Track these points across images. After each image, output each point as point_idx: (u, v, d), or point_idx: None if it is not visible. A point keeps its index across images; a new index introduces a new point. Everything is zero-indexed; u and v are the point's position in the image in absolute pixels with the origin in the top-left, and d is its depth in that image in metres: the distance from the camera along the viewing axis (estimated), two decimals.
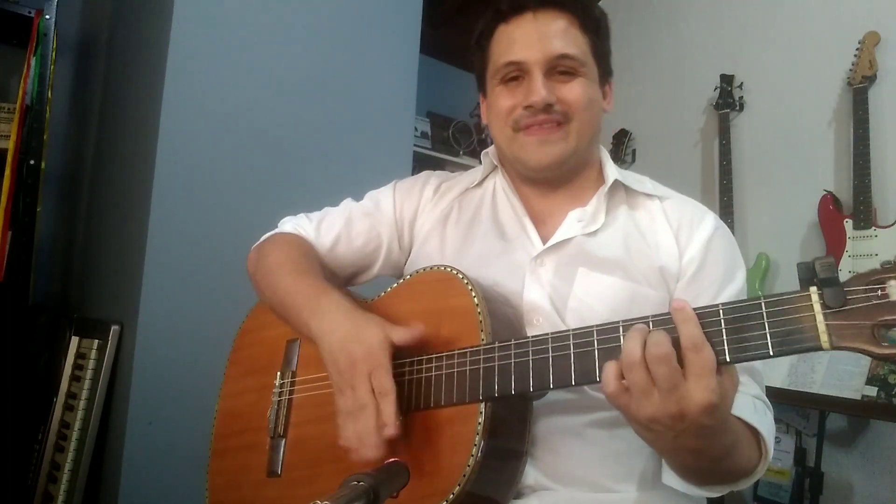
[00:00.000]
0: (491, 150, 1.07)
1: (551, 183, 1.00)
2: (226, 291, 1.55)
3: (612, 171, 0.98)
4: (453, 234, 1.02)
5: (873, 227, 2.05)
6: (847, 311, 0.57)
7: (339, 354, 0.79)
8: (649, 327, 0.66)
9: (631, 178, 1.01)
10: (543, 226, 0.98)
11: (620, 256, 0.92)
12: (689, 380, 0.61)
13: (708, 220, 0.95)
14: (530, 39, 0.93)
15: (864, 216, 2.06)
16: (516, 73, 0.94)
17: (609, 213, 0.97)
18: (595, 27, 0.96)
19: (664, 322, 0.65)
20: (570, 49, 0.93)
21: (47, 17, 1.98)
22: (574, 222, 0.95)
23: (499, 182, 1.06)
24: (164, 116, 1.75)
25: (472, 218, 1.03)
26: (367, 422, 0.75)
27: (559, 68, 0.93)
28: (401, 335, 0.79)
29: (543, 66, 0.92)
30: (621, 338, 0.68)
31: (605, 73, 0.99)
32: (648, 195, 0.99)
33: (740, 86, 2.54)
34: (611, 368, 0.65)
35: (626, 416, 0.67)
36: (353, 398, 0.77)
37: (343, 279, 1.10)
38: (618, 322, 0.69)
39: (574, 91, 0.93)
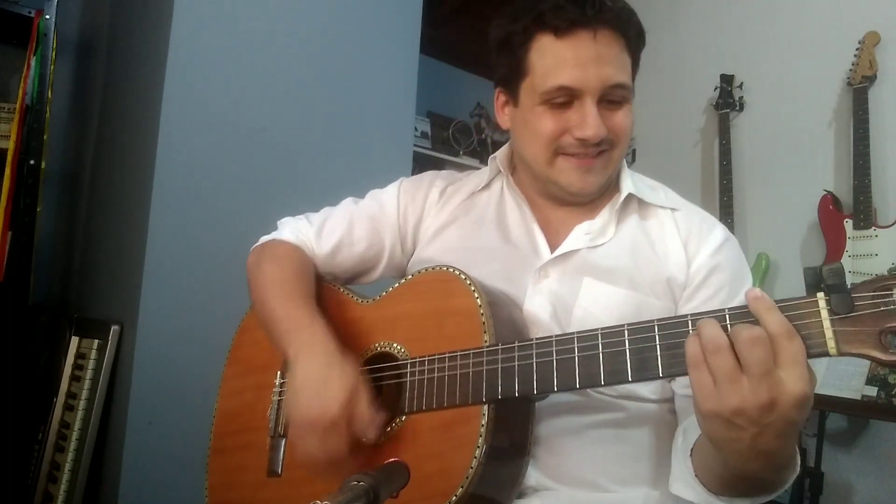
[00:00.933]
0: (499, 154, 1.05)
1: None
2: (226, 292, 1.54)
3: (627, 184, 0.96)
4: (457, 238, 1.01)
5: (873, 227, 2.05)
6: (854, 317, 0.57)
7: (301, 400, 0.80)
8: (689, 326, 0.63)
9: (645, 186, 0.99)
10: (554, 236, 0.96)
11: (627, 266, 0.91)
12: (782, 368, 0.57)
13: (717, 231, 0.94)
14: (586, 63, 0.85)
15: (864, 216, 2.06)
16: (566, 99, 0.87)
17: (619, 223, 0.95)
18: (641, 47, 0.92)
19: (681, 325, 0.64)
20: (623, 77, 0.87)
21: (47, 17, 1.97)
22: (581, 235, 0.93)
23: (506, 187, 1.04)
24: (164, 116, 1.75)
25: (478, 221, 1.02)
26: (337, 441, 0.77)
27: (609, 97, 0.88)
28: (364, 419, 0.79)
29: (598, 95, 0.86)
30: (626, 341, 0.67)
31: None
32: (661, 206, 0.97)
33: (740, 86, 2.54)
34: (695, 341, 0.60)
35: (703, 406, 0.60)
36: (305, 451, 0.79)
37: (344, 281, 1.09)
38: (623, 325, 0.68)
39: (622, 121, 0.89)
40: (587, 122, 0.86)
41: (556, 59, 0.86)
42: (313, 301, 0.95)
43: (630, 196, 0.96)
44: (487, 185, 1.06)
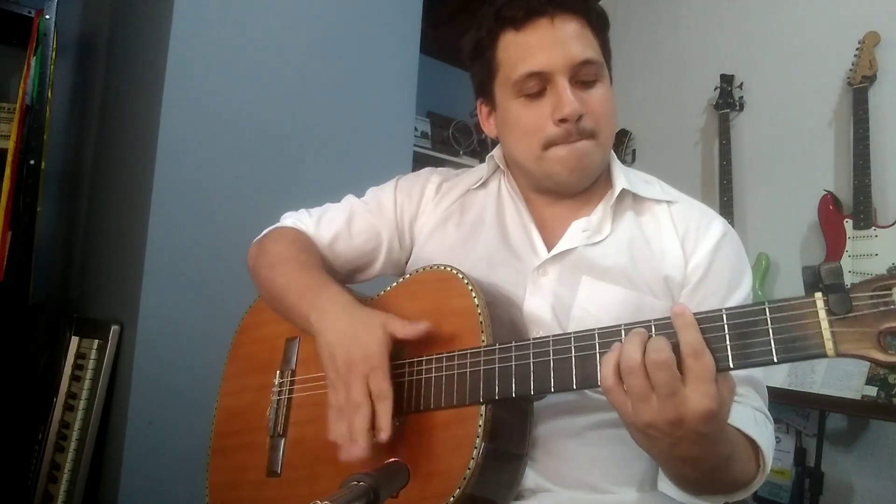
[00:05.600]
0: (496, 152, 1.05)
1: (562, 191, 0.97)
2: (226, 291, 1.54)
3: (620, 180, 0.95)
4: (455, 236, 1.00)
5: (873, 227, 2.05)
6: (853, 317, 0.56)
7: (337, 351, 0.79)
8: (651, 332, 0.65)
9: (639, 180, 0.98)
10: (550, 234, 0.96)
11: (625, 265, 0.90)
12: (688, 385, 0.61)
13: (715, 227, 0.93)
14: (549, 46, 0.87)
15: (864, 216, 2.06)
16: (539, 87, 0.88)
17: (615, 220, 0.95)
18: (603, 27, 0.93)
19: (666, 327, 0.65)
20: (590, 53, 0.88)
21: (47, 17, 1.97)
22: (578, 232, 0.93)
23: (504, 185, 1.04)
24: (164, 116, 1.75)
25: (476, 220, 1.01)
26: (360, 422, 0.75)
27: (580, 76, 0.88)
28: (402, 329, 0.80)
29: (567, 74, 0.87)
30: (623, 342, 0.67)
31: (611, 71, 0.96)
32: (656, 200, 0.96)
33: (740, 86, 2.54)
34: (610, 362, 0.65)
35: (623, 418, 0.66)
36: (346, 397, 0.77)
37: (343, 276, 1.09)
38: (619, 325, 0.68)
39: (598, 99, 0.89)
40: (562, 101, 0.86)
41: (520, 49, 0.89)
42: (324, 271, 0.96)
43: (624, 192, 0.95)
44: (484, 184, 1.06)
